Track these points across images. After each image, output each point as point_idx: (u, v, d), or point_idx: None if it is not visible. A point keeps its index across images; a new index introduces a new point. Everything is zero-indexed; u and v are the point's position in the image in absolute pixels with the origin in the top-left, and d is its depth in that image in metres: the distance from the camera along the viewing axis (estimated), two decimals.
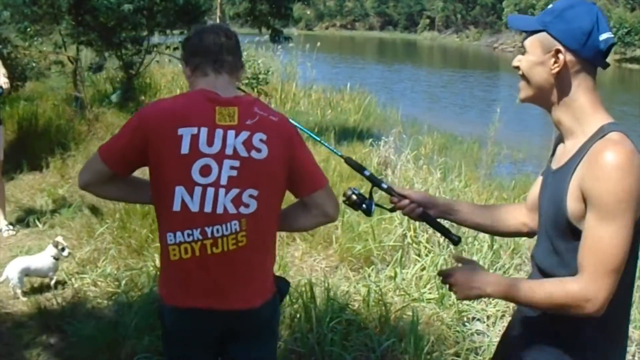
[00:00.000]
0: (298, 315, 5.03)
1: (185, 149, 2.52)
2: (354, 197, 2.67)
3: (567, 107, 2.20)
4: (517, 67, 2.29)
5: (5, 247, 6.65)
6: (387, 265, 6.08)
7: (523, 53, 2.28)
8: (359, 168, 2.71)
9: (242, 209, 2.57)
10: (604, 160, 2.00)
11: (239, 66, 2.77)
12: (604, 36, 2.14)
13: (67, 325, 4.91)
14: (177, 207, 2.55)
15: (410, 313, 5.06)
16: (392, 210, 2.78)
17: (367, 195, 2.72)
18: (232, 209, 2.56)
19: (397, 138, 10.52)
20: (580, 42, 2.14)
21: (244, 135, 2.57)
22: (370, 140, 11.86)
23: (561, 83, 2.19)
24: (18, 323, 5.06)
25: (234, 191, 2.55)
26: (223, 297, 2.65)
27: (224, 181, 2.54)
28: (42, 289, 5.65)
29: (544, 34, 2.19)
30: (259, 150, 2.57)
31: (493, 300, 5.40)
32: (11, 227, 7.10)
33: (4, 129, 7.47)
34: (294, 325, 4.94)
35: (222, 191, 2.55)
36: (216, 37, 2.71)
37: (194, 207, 2.54)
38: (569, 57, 2.15)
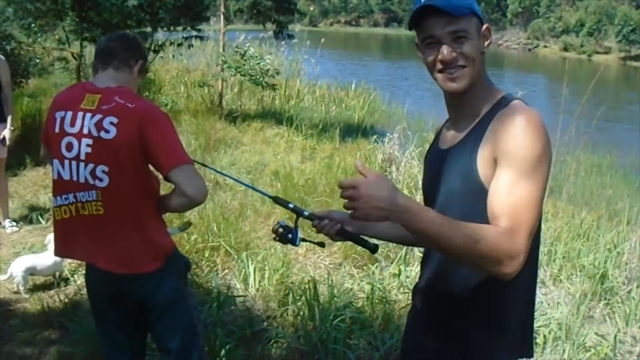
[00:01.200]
0: (302, 313, 5.02)
1: (57, 128, 3.03)
2: (281, 229, 2.62)
3: (477, 84, 2.17)
4: (455, 58, 2.12)
5: (9, 243, 6.63)
6: (391, 263, 6.07)
7: (458, 39, 2.10)
8: (284, 203, 2.73)
9: (97, 182, 2.95)
10: (519, 120, 1.98)
11: (130, 63, 3.21)
12: None
13: (70, 322, 4.90)
14: (55, 175, 3.09)
15: None
16: (319, 244, 2.80)
17: (293, 226, 2.66)
18: (91, 180, 2.96)
19: (402, 135, 10.48)
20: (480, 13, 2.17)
21: (97, 117, 2.94)
22: (375, 136, 11.78)
23: (483, 61, 2.19)
24: (21, 320, 5.05)
25: (90, 165, 2.95)
26: (95, 254, 3.07)
27: (83, 156, 2.96)
28: (45, 286, 5.63)
29: (473, 16, 2.14)
30: (107, 131, 2.91)
31: None
32: (14, 223, 7.09)
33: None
34: (297, 323, 4.93)
35: (82, 165, 2.96)
36: (107, 42, 3.23)
37: (66, 176, 3.02)
38: None
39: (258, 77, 13.82)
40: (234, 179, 3.50)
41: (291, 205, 2.68)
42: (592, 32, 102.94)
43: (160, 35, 14.30)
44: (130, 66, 3.21)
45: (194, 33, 14.32)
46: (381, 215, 1.87)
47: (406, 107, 17.38)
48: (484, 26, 2.16)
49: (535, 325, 4.51)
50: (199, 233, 6.33)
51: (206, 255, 6.09)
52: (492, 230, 1.88)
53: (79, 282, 5.61)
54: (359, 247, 5.86)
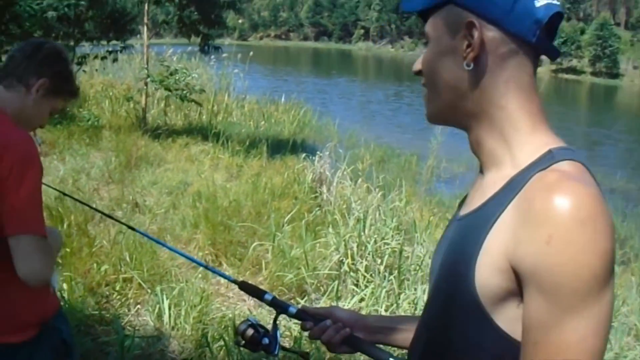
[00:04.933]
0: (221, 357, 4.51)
1: None
2: (250, 331, 1.83)
3: (490, 118, 1.33)
4: (419, 72, 1.44)
5: None
6: (322, 296, 5.57)
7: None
8: (257, 293, 1.99)
9: None
10: (558, 210, 1.12)
11: (28, 82, 2.48)
12: (542, 0, 1.28)
13: None
14: None
15: None
16: (304, 355, 2.05)
17: (268, 327, 1.89)
18: None
19: (333, 152, 10.02)
20: (503, 7, 1.27)
21: None
22: (305, 154, 11.28)
23: (480, 77, 1.31)
24: None
25: None
26: None
27: None
28: None
29: (449, 6, 1.33)
30: None
31: None
32: None
33: None
34: None
35: None
36: (13, 51, 2.61)
37: None
38: (490, 32, 1.28)
39: (184, 91, 13.39)
40: (190, 258, 2.81)
41: (268, 297, 1.92)
42: None
43: (87, 48, 13.83)
44: (29, 85, 2.48)
45: (120, 46, 13.89)
46: None
47: (337, 123, 17.04)
48: (467, 20, 1.29)
49: None
50: (110, 263, 5.72)
51: (117, 288, 5.48)
52: None
53: None
54: (286, 279, 5.21)
